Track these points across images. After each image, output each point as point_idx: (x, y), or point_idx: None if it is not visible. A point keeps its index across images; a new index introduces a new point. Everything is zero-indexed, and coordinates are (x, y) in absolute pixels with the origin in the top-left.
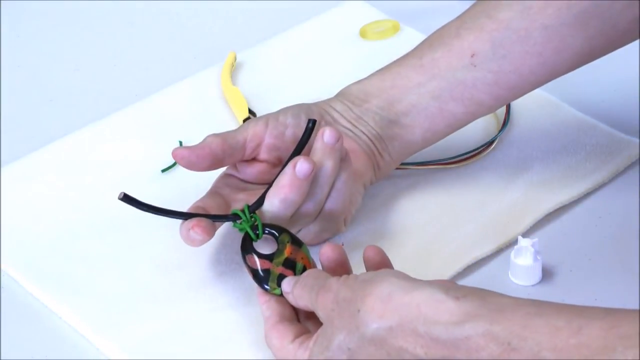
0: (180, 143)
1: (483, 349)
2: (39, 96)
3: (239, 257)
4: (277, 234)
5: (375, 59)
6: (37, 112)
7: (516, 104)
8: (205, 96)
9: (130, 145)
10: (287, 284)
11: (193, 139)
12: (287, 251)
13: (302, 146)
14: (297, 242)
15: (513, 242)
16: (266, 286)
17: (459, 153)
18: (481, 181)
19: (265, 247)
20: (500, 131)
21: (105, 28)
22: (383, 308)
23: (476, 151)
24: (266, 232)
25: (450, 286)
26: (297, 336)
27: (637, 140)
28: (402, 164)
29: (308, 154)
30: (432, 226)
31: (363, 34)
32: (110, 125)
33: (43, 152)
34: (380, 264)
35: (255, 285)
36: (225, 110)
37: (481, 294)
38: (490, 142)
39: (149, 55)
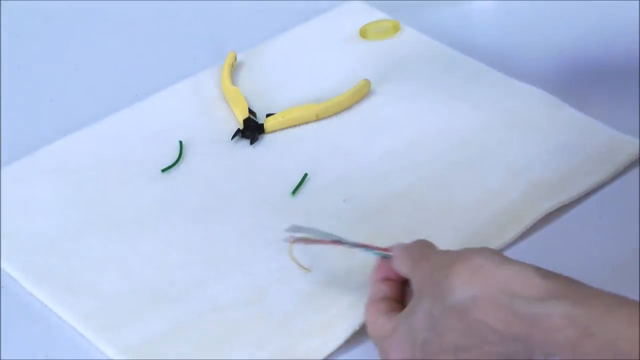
0: (181, 143)
1: (560, 330)
2: (39, 96)
3: (238, 256)
4: None
5: (375, 59)
6: (37, 112)
7: (516, 104)
8: (205, 96)
9: (130, 145)
10: (397, 248)
11: (193, 139)
12: None
13: None
14: None
15: (513, 243)
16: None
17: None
18: (481, 181)
19: None
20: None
21: (105, 28)
22: (470, 276)
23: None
24: None
25: (542, 269)
26: (390, 311)
27: (637, 140)
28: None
29: None
30: (432, 226)
31: (363, 34)
32: (110, 125)
33: (43, 152)
34: None
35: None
36: (225, 110)
37: (570, 280)
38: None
39: (149, 55)
